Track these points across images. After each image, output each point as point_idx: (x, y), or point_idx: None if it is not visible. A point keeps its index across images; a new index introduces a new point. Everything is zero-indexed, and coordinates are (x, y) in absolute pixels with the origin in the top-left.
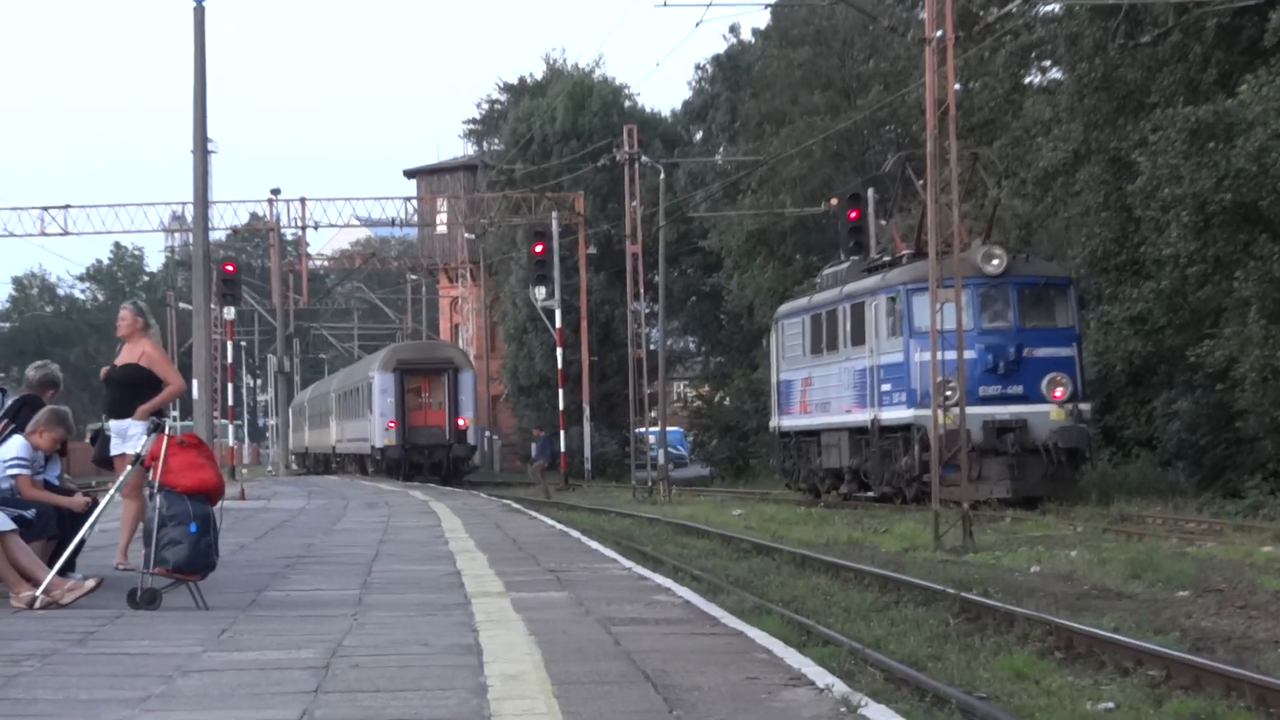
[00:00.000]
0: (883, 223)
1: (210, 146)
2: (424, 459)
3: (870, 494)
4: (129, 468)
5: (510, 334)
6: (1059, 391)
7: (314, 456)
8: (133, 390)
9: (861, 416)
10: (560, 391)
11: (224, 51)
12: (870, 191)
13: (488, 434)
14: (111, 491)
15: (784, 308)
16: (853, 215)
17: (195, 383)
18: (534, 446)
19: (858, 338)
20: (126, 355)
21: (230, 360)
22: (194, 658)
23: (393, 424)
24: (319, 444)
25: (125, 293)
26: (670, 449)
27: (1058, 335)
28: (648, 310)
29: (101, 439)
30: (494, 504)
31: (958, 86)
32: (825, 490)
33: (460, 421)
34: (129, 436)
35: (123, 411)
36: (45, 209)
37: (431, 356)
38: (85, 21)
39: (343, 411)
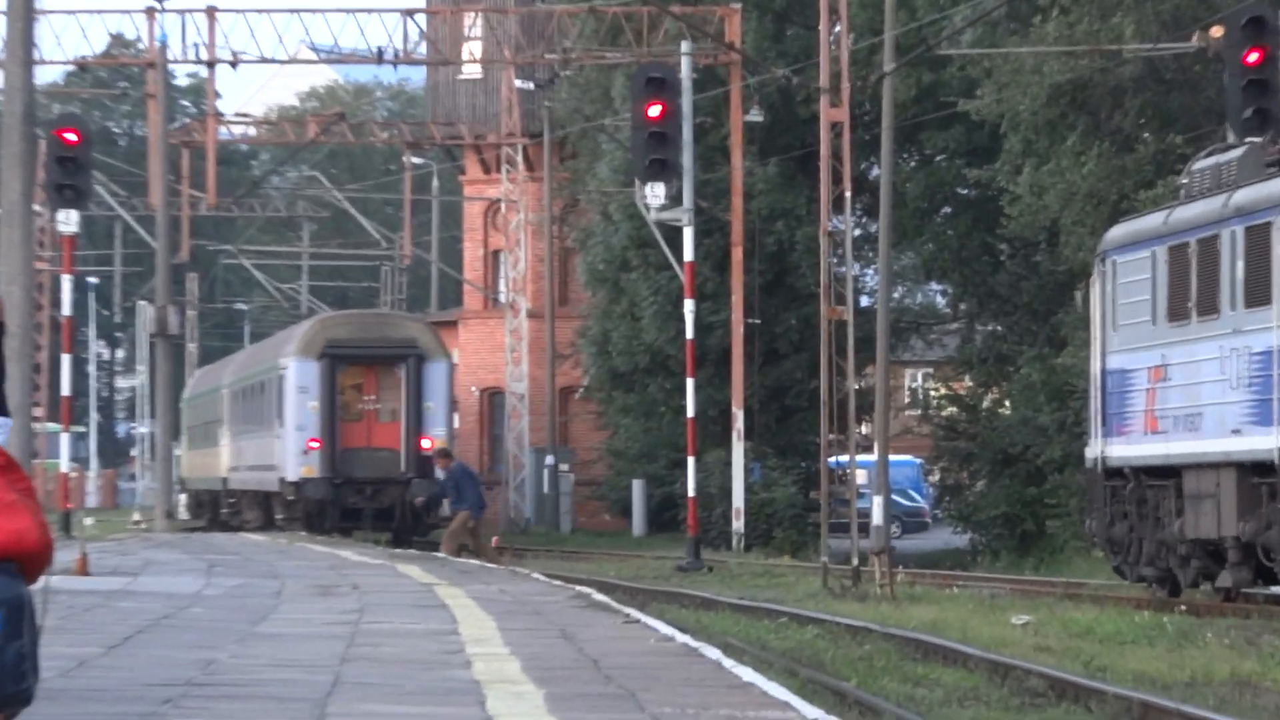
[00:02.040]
0: None
1: None
2: (365, 501)
3: (1277, 589)
4: None
5: (597, 273)
6: None
7: (196, 495)
8: None
9: (1261, 442)
10: (689, 384)
11: None
12: None
13: (549, 463)
14: None
15: (1116, 231)
16: (1251, 58)
17: None
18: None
19: (1257, 292)
20: None
21: (68, 312)
22: None
23: (316, 443)
24: (202, 472)
25: None
26: (897, 496)
27: None
28: (858, 231)
29: None
30: (558, 594)
31: None
32: (1190, 581)
33: (425, 443)
34: None
35: None
36: None
37: (381, 336)
38: None
39: (239, 421)
